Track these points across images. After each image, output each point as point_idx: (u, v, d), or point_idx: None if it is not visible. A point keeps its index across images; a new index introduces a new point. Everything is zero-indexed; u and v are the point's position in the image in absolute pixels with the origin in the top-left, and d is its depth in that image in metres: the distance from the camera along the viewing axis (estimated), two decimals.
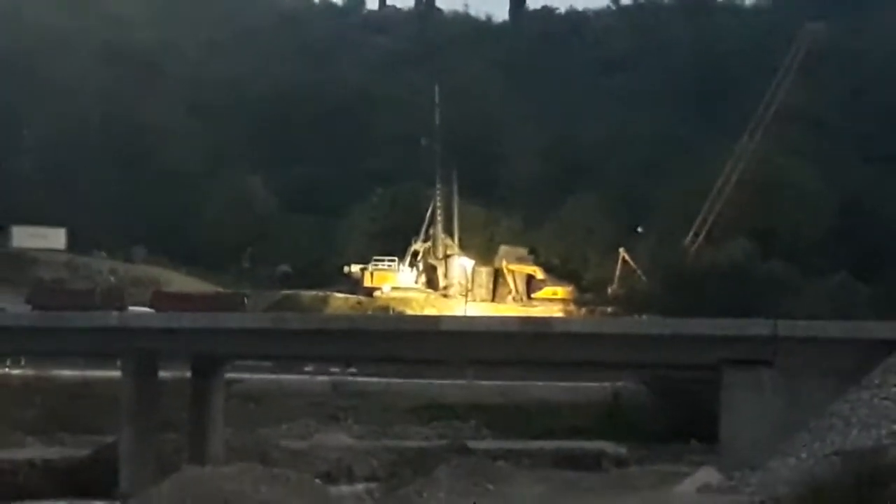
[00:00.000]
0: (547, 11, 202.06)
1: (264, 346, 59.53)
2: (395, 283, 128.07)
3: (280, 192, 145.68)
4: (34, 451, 65.77)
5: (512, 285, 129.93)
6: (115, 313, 72.65)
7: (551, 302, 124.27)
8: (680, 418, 76.14)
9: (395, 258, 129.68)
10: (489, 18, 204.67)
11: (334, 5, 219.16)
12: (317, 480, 40.53)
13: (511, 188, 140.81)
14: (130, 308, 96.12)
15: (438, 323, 63.79)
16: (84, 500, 54.06)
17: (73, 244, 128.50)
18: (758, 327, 50.55)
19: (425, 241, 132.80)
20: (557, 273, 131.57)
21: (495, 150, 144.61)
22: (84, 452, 62.28)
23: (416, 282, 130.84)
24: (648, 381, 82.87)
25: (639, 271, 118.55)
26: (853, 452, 36.15)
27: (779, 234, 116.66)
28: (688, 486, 44.21)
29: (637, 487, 46.87)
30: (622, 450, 74.58)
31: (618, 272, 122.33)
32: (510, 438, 78.19)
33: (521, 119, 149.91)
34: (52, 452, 65.06)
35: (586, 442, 76.44)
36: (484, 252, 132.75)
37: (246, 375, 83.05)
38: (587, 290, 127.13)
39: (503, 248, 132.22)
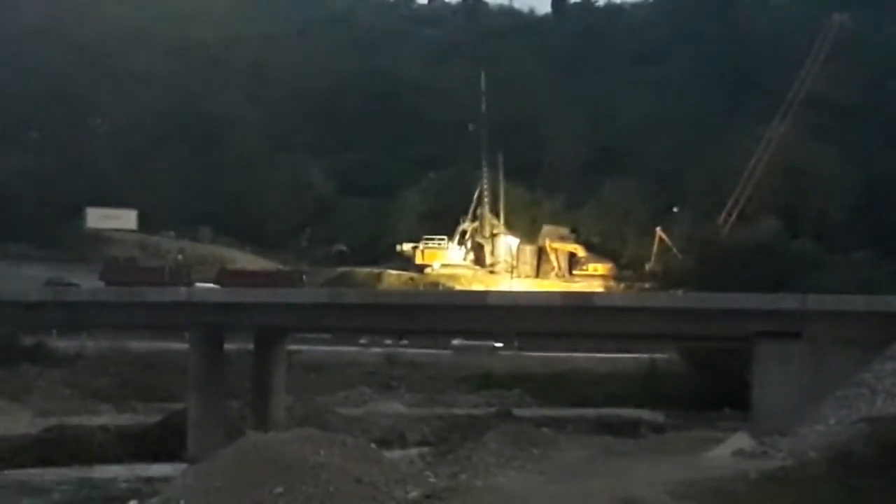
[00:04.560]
0: (587, 5, 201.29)
1: (322, 319, 59.46)
2: (445, 260, 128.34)
3: (336, 175, 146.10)
4: (108, 417, 66.08)
5: (555, 262, 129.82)
6: (183, 289, 72.54)
7: (592, 278, 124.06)
8: (714, 387, 75.47)
9: (445, 237, 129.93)
10: (532, 11, 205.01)
11: (386, 0, 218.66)
12: (372, 445, 40.22)
13: (554, 171, 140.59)
14: (197, 284, 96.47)
15: (485, 298, 63.46)
16: (154, 463, 54.11)
17: (144, 225, 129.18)
18: (787, 301, 50.16)
19: (473, 220, 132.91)
20: (597, 251, 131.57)
21: (539, 135, 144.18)
22: (154, 419, 62.39)
23: (465, 259, 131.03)
24: (684, 352, 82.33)
25: (674, 249, 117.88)
26: (879, 419, 35.90)
27: (806, 214, 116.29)
28: (722, 450, 44.05)
29: (673, 452, 46.53)
30: (659, 417, 74.11)
31: (655, 250, 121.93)
32: (553, 406, 77.90)
33: (562, 106, 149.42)
34: (125, 419, 65.37)
35: (625, 409, 76.06)
36: (528, 231, 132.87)
37: (306, 347, 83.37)
38: (626, 266, 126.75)
39: (546, 228, 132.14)
